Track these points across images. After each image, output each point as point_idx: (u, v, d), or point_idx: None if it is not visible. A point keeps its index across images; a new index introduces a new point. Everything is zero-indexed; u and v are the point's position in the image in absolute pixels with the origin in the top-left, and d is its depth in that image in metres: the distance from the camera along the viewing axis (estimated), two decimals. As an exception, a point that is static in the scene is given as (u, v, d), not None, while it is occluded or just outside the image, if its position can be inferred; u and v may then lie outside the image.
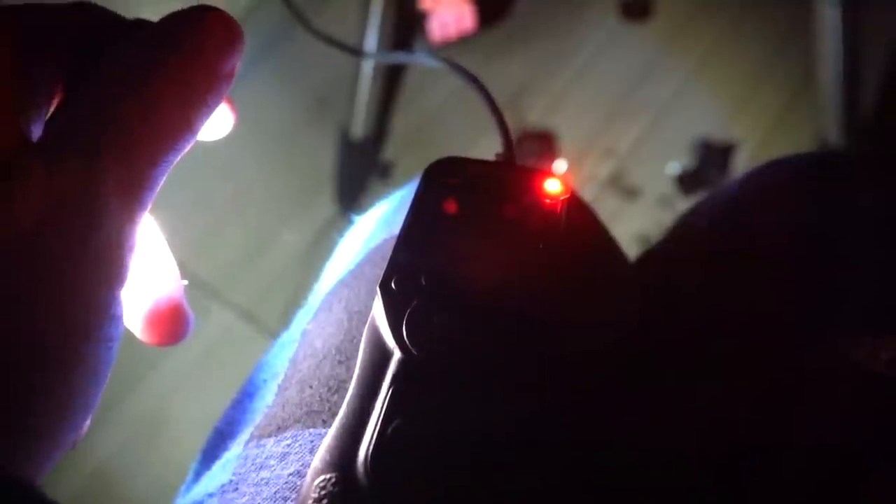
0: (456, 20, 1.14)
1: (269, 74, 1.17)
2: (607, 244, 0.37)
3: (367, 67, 0.99)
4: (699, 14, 1.21)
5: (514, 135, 0.27)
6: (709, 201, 0.43)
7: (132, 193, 0.19)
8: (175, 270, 0.24)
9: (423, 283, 0.23)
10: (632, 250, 0.42)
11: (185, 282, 0.24)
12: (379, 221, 0.35)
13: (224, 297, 1.03)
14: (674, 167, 1.09)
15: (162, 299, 0.23)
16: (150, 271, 0.23)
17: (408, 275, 0.23)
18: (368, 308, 0.24)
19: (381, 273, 0.23)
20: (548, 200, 0.25)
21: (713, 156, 1.09)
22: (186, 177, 1.09)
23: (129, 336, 0.24)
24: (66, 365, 0.18)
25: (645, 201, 1.08)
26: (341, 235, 0.39)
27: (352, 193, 1.08)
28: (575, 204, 0.34)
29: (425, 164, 0.26)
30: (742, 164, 1.09)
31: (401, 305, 0.23)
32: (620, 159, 1.11)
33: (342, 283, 0.32)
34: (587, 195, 1.07)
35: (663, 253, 0.42)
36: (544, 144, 1.10)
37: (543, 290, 0.23)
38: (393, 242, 0.24)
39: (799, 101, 1.13)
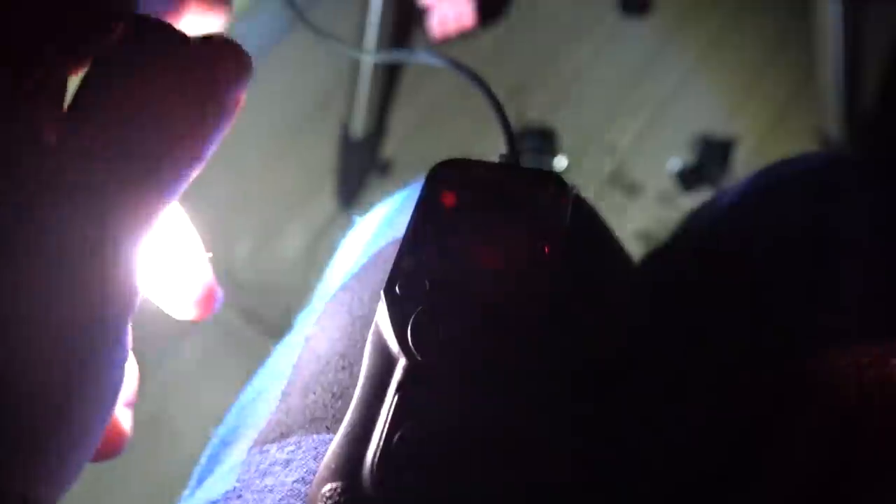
0: (456, 16, 1.14)
1: (269, 73, 1.16)
2: (612, 248, 0.37)
3: (367, 65, 0.99)
4: (699, 9, 1.20)
5: (514, 132, 0.27)
6: (711, 203, 0.43)
7: (138, 224, 0.18)
8: (204, 252, 0.25)
9: (428, 287, 0.23)
10: (633, 247, 0.42)
11: (210, 254, 0.25)
12: (381, 223, 0.35)
13: (224, 297, 1.03)
14: (674, 163, 1.08)
15: (209, 283, 0.25)
16: (192, 260, 0.24)
17: (412, 279, 0.23)
18: (372, 312, 0.24)
19: (385, 277, 0.23)
20: (553, 203, 0.24)
21: (713, 152, 1.08)
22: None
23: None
24: (74, 392, 0.18)
25: (646, 198, 1.07)
26: (342, 235, 0.39)
27: (352, 191, 1.08)
28: (580, 206, 0.34)
29: (425, 162, 0.25)
30: (742, 159, 1.08)
31: (405, 311, 0.22)
32: (621, 156, 1.10)
33: (345, 288, 0.32)
34: (588, 192, 1.06)
35: (666, 254, 0.42)
36: (544, 141, 1.10)
37: (548, 294, 0.23)
38: (396, 246, 0.24)
39: (800, 96, 1.12)
